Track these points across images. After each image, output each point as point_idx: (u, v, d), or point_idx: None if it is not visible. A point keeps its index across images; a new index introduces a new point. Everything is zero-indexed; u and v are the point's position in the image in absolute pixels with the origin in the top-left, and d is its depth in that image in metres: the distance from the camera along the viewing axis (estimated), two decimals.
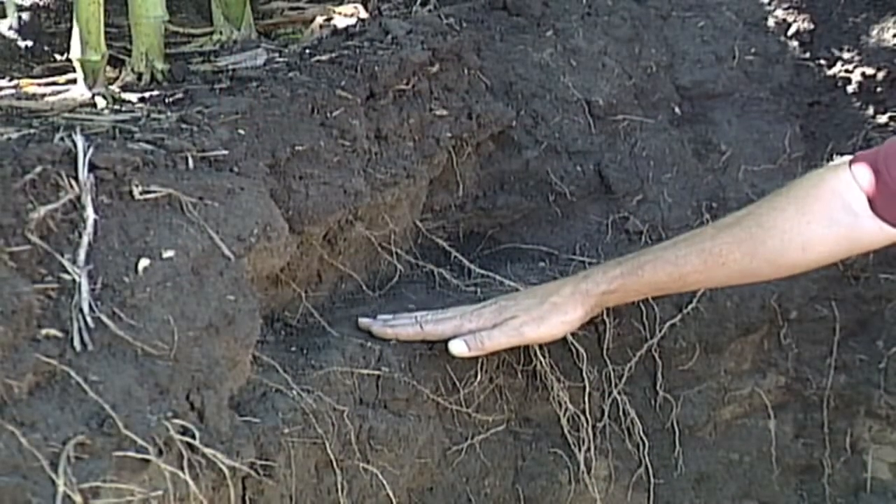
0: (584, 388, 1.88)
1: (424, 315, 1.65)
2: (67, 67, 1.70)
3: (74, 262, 1.11)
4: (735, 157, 2.06)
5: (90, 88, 1.59)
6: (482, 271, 1.85)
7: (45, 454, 1.01)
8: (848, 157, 1.58)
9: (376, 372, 1.58)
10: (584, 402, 1.89)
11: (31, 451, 1.01)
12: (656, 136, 2.02)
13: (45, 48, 1.92)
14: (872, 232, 1.55)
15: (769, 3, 2.15)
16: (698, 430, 2.07)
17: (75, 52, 1.59)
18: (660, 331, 1.93)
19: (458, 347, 1.62)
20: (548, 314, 1.64)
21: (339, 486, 1.49)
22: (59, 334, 1.08)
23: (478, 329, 1.63)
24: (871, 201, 1.53)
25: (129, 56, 1.71)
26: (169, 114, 1.45)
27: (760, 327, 2.07)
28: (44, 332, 1.07)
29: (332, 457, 1.47)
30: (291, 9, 2.17)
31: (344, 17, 2.03)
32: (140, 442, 1.08)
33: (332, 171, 1.56)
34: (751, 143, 2.07)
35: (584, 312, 1.66)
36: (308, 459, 1.44)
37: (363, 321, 1.63)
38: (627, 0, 2.07)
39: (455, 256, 1.88)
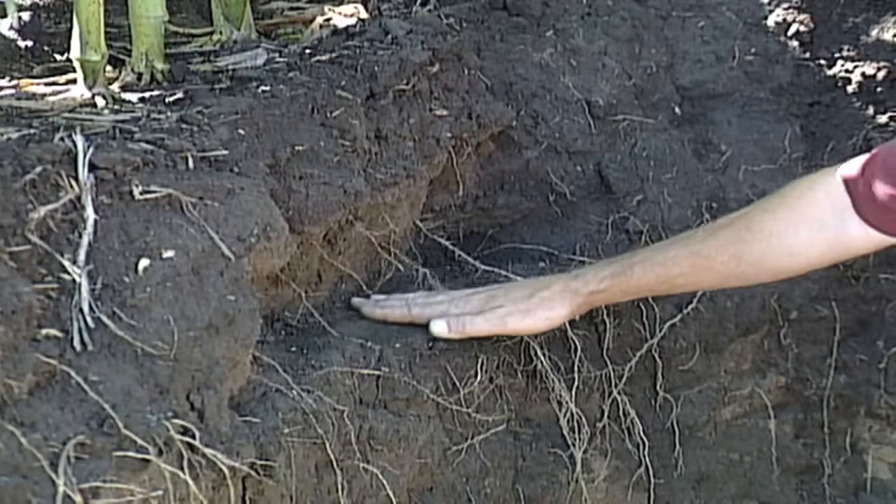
0: (584, 388, 1.89)
1: (415, 297, 1.67)
2: (67, 67, 1.70)
3: (74, 262, 1.11)
4: (735, 157, 2.06)
5: (90, 88, 1.59)
6: (486, 267, 1.85)
7: (45, 454, 1.01)
8: (840, 164, 1.58)
9: (376, 372, 1.58)
10: (584, 402, 1.90)
11: (31, 451, 1.01)
12: (656, 136, 2.02)
13: (45, 48, 1.92)
14: (859, 237, 1.55)
15: (769, 3, 2.15)
16: (698, 430, 2.07)
17: (75, 52, 1.59)
18: (660, 331, 1.93)
19: (438, 327, 1.63)
20: (534, 308, 1.65)
21: (339, 486, 1.49)
22: (59, 334, 1.08)
23: (462, 314, 1.64)
24: (857, 206, 1.53)
25: (129, 56, 1.71)
26: (169, 114, 1.45)
27: (760, 327, 2.07)
28: (44, 332, 1.07)
29: (332, 457, 1.47)
30: (291, 9, 2.17)
31: (344, 17, 2.03)
32: (140, 442, 1.08)
33: (332, 171, 1.56)
34: (751, 143, 2.07)
35: (570, 310, 1.66)
36: (308, 459, 1.44)
37: (356, 300, 1.65)
38: (627, 0, 2.07)
39: (455, 257, 1.88)
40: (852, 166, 1.56)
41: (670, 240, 1.69)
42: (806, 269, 1.65)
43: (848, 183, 1.54)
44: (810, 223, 1.56)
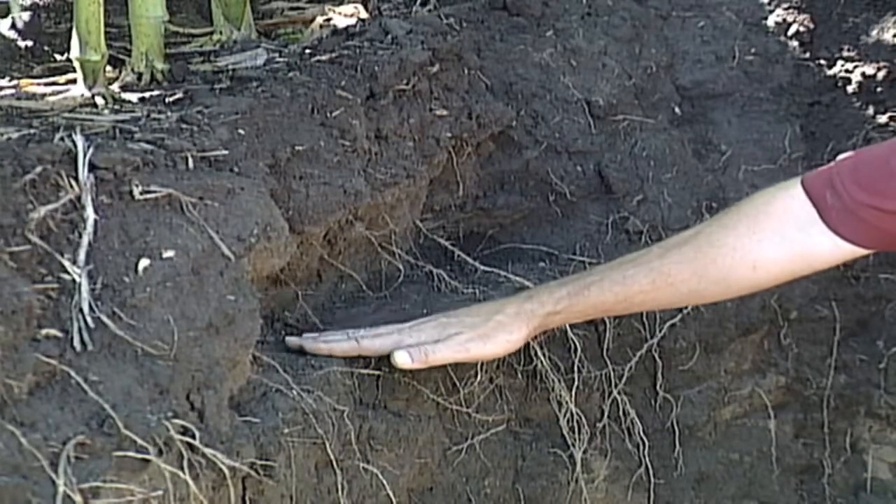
0: (584, 388, 1.89)
1: (358, 331, 1.59)
2: (67, 67, 1.70)
3: (74, 262, 1.11)
4: (735, 157, 2.06)
5: (90, 88, 1.59)
6: (486, 268, 1.84)
7: (45, 454, 1.01)
8: (799, 177, 1.56)
9: (376, 372, 1.58)
10: (584, 402, 1.90)
11: (31, 451, 1.01)
12: (656, 136, 2.02)
13: (45, 48, 1.92)
14: (826, 248, 1.51)
15: (769, 3, 2.15)
16: (698, 430, 2.07)
17: (75, 52, 1.59)
18: (660, 331, 1.93)
19: (401, 358, 1.55)
20: (493, 332, 1.60)
21: (339, 486, 1.49)
22: (59, 334, 1.08)
23: (419, 344, 1.57)
24: (824, 217, 1.50)
25: (129, 56, 1.71)
26: (169, 114, 1.45)
27: (760, 327, 2.07)
28: (44, 332, 1.07)
29: (332, 457, 1.47)
30: (291, 9, 2.17)
31: (344, 17, 2.03)
32: (140, 442, 1.08)
33: (332, 171, 1.56)
34: (751, 143, 2.07)
35: (527, 332, 1.62)
36: (308, 459, 1.44)
37: (291, 340, 1.55)
38: (627, 0, 2.07)
39: (455, 257, 1.88)
40: (816, 177, 1.53)
41: (625, 258, 1.64)
42: (769, 284, 1.62)
43: (812, 194, 1.51)
44: (772, 237, 1.53)
